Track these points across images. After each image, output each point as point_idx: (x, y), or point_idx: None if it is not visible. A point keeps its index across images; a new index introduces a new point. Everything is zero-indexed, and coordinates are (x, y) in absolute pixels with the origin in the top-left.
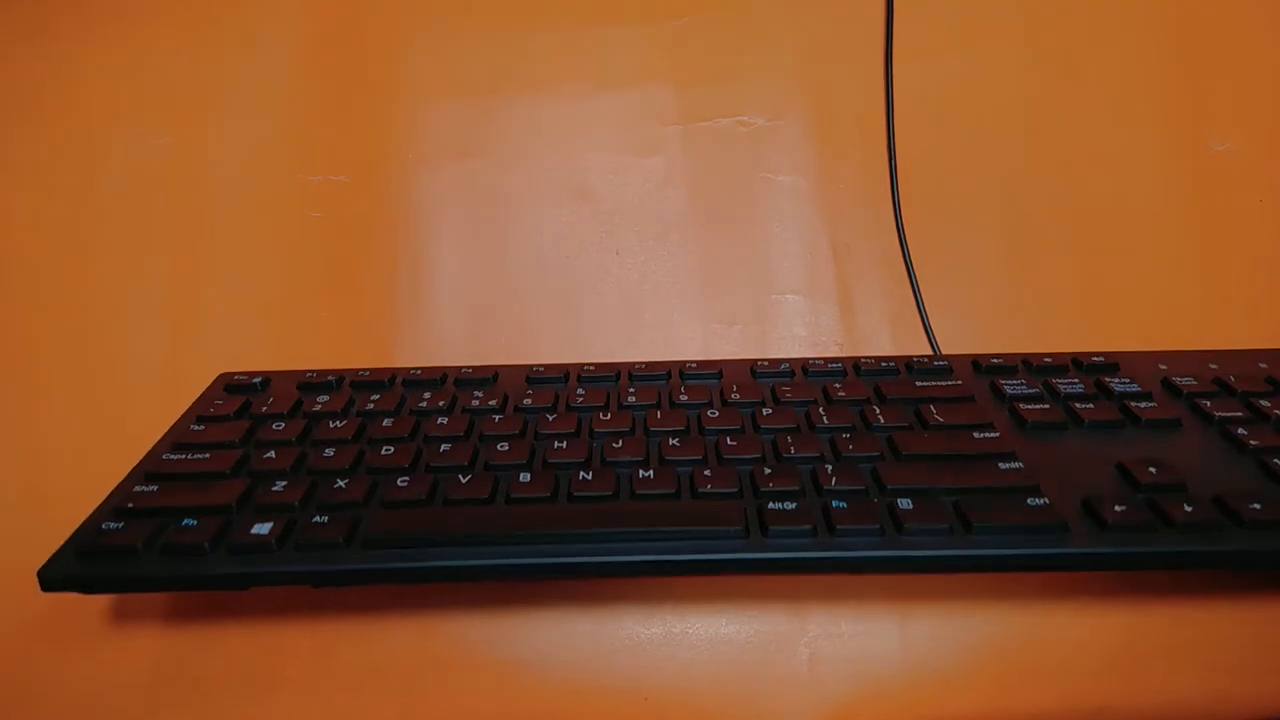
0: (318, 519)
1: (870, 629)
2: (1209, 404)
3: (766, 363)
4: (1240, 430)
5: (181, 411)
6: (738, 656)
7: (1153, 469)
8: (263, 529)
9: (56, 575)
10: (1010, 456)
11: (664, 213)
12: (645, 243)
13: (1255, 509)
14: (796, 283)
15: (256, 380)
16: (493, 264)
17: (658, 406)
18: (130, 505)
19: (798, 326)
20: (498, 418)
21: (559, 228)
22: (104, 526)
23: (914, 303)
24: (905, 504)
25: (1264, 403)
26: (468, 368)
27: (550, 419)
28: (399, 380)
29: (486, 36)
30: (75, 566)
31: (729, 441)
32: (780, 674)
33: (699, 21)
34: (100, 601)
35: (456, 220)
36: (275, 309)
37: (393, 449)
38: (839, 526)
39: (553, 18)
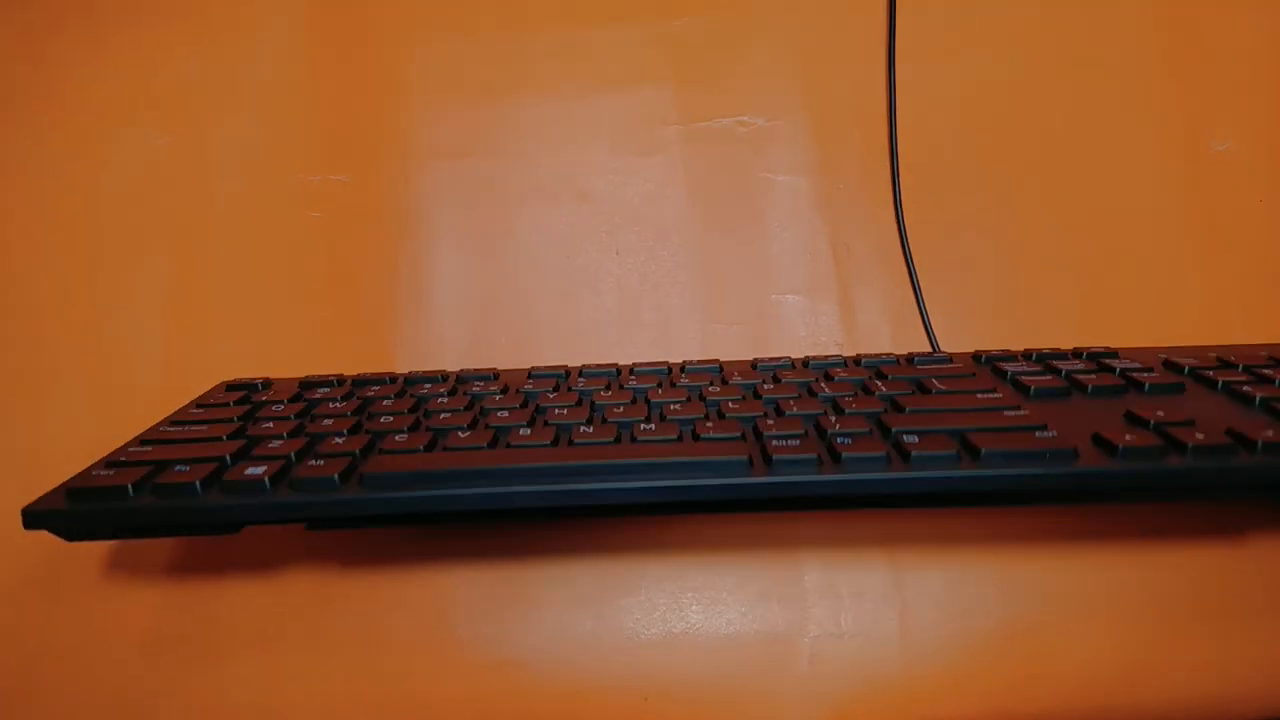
0: (313, 462)
1: (871, 629)
2: (1211, 373)
3: (768, 359)
4: (1246, 388)
5: None
6: (738, 657)
7: (1161, 412)
8: (256, 470)
9: (41, 512)
10: (1016, 407)
11: (664, 213)
12: (645, 243)
13: (1268, 434)
14: (796, 283)
15: (258, 382)
16: (493, 264)
17: (660, 387)
18: (123, 459)
19: (798, 326)
20: (499, 396)
21: (559, 228)
22: (95, 472)
23: (914, 303)
24: (911, 438)
25: (1266, 371)
26: (469, 369)
27: (551, 396)
28: (401, 378)
29: (486, 36)
30: (62, 504)
31: (730, 404)
32: (780, 674)
33: (699, 21)
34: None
35: (456, 220)
36: (275, 310)
37: (392, 418)
38: (844, 455)
39: (553, 18)
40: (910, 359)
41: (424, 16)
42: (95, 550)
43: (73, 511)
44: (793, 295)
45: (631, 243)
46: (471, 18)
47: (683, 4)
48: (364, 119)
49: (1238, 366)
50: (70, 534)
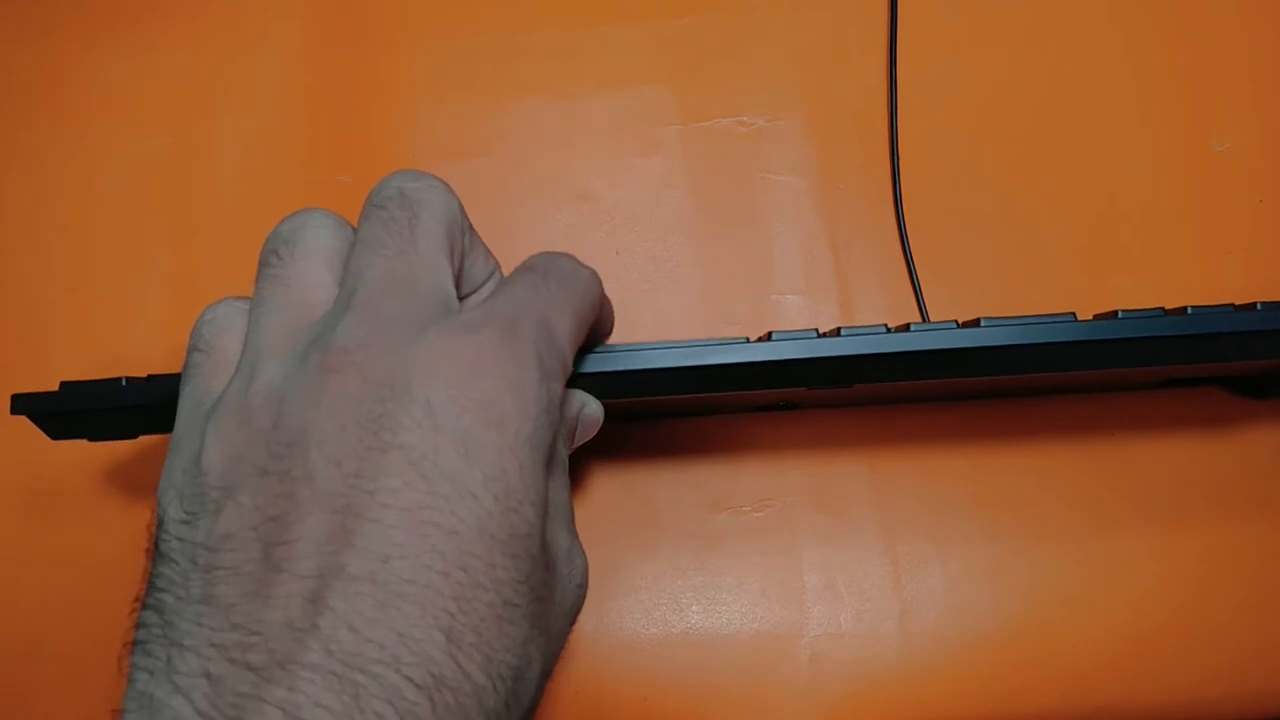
0: None
1: (871, 629)
2: None
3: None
4: None
5: None
6: (738, 656)
7: None
8: None
9: (29, 399)
10: None
11: (664, 213)
12: (645, 243)
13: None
14: (796, 283)
15: None
16: None
17: None
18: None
19: (798, 326)
20: None
21: (559, 228)
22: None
23: (915, 303)
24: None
25: None
26: None
27: None
28: None
29: (486, 36)
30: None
31: None
32: (780, 674)
33: (699, 21)
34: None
35: None
36: None
37: None
38: (843, 330)
39: (553, 18)
40: None
41: (424, 15)
42: None
43: (63, 394)
44: (793, 295)
45: (631, 243)
46: (471, 18)
47: (683, 4)
48: (364, 119)
49: None
50: (54, 425)
